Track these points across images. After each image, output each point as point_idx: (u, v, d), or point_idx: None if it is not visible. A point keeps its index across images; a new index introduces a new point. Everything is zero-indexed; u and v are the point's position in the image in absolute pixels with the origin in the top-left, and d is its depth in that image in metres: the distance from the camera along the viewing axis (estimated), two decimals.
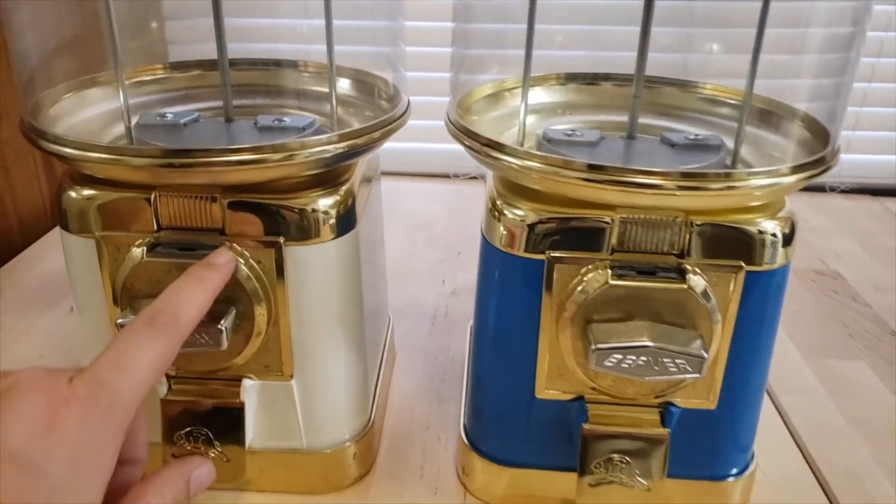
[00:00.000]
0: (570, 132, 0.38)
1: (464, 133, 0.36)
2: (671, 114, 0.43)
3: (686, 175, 0.32)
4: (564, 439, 0.38)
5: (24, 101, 0.37)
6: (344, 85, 0.44)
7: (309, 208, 0.35)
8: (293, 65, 0.45)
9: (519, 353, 0.36)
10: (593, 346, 0.32)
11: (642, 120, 0.40)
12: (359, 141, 0.35)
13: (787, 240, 0.34)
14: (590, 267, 0.34)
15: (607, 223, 0.33)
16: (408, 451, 0.44)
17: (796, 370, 0.53)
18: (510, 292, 0.36)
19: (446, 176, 0.87)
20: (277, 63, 0.44)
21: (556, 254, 0.34)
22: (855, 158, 0.85)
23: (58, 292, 0.60)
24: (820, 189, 0.86)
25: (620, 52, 0.43)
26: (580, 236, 0.34)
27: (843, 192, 0.86)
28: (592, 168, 0.32)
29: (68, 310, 0.58)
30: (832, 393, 0.51)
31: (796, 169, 0.33)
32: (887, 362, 0.54)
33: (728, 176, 0.32)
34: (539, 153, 0.33)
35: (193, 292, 0.30)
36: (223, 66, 0.38)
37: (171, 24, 0.78)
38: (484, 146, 0.35)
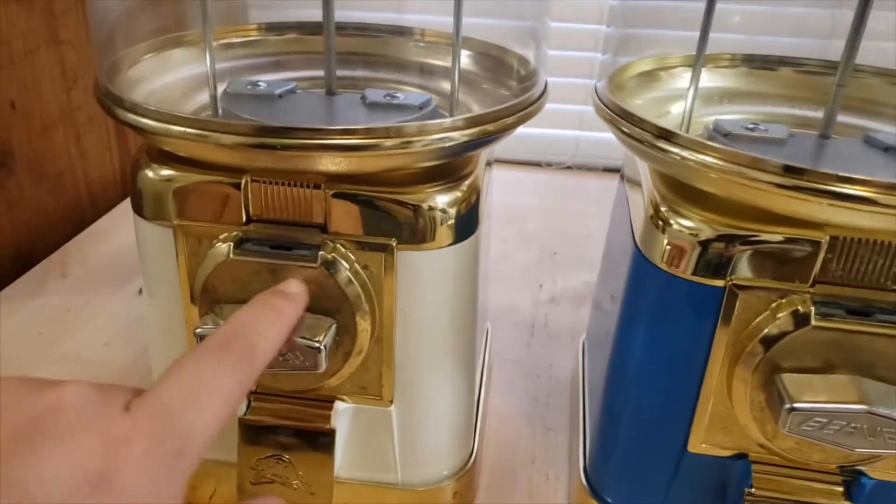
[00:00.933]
0: (750, 126, 0.30)
1: (621, 117, 0.29)
2: (869, 111, 0.35)
3: None
4: (716, 502, 0.31)
5: (101, 60, 0.32)
6: (465, 61, 0.37)
7: (426, 206, 0.28)
8: (407, 32, 0.38)
9: (672, 395, 0.30)
10: (789, 405, 0.25)
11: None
12: (490, 127, 0.29)
13: None
14: (783, 301, 0.26)
15: (811, 247, 0.26)
16: (511, 489, 0.38)
17: None
18: (669, 322, 0.29)
19: (537, 164, 0.80)
20: (390, 30, 0.38)
21: (741, 281, 0.27)
22: None
23: (127, 272, 0.56)
24: None
25: (799, 38, 0.35)
26: (773, 261, 0.26)
27: None
28: (793, 172, 0.24)
29: (137, 291, 0.54)
30: None
31: None
32: None
33: None
34: (723, 147, 0.26)
35: (269, 322, 0.24)
36: (328, 30, 0.32)
37: None
38: (654, 136, 0.27)
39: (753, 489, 0.29)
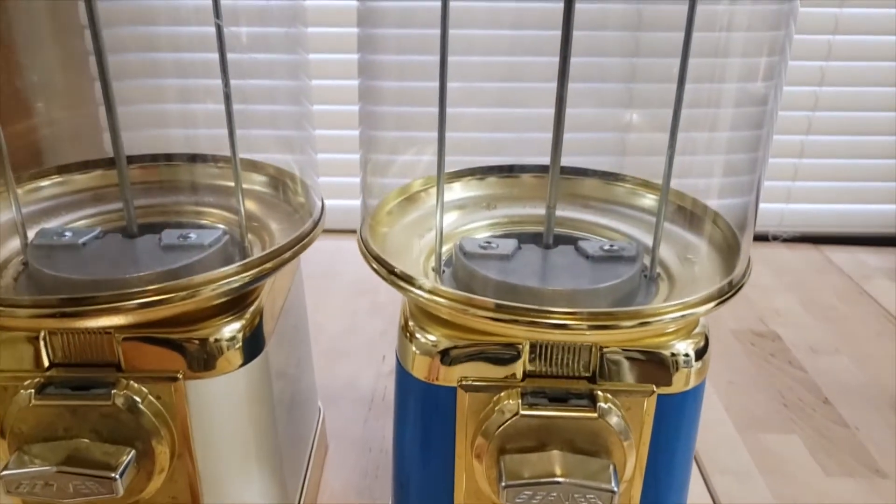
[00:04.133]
0: (485, 244, 0.37)
1: (375, 259, 0.35)
2: (592, 206, 0.43)
3: (595, 315, 0.31)
4: None
5: None
6: (262, 180, 0.43)
7: (212, 339, 0.33)
8: (202, 159, 0.43)
9: (437, 473, 0.35)
10: (504, 483, 0.31)
11: (562, 213, 0.40)
12: (268, 265, 0.34)
13: (700, 355, 0.34)
14: (502, 395, 0.33)
15: (518, 351, 0.33)
16: None
17: (731, 448, 0.53)
18: (425, 418, 0.35)
19: None
20: (183, 158, 0.43)
21: (468, 380, 0.33)
22: (796, 208, 0.86)
23: None
24: (763, 238, 0.87)
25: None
26: (491, 363, 0.33)
27: (786, 241, 0.87)
28: (500, 308, 0.31)
29: None
30: (765, 473, 0.51)
31: (707, 299, 0.32)
32: (819, 434, 0.54)
33: (638, 314, 0.32)
34: (446, 290, 0.33)
35: None
36: (123, 182, 0.36)
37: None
38: (391, 275, 0.34)
39: None
